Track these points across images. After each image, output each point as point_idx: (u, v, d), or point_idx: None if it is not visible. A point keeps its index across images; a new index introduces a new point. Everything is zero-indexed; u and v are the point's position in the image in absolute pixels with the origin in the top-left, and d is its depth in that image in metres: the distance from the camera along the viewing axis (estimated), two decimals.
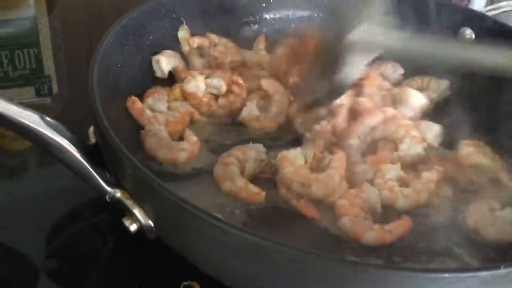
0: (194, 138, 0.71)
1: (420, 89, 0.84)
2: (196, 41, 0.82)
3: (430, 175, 0.67)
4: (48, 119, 0.54)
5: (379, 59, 0.86)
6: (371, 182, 0.66)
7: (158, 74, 0.78)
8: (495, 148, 0.74)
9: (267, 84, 0.77)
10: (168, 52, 0.79)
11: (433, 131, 0.74)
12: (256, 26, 0.90)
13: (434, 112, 0.80)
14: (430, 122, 0.75)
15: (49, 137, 0.53)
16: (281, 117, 0.76)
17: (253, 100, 0.77)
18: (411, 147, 0.70)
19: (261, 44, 0.88)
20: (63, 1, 1.11)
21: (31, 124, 0.52)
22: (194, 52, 0.82)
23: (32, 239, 0.64)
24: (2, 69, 0.91)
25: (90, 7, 1.13)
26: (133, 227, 0.54)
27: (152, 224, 0.54)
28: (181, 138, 0.72)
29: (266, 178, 0.68)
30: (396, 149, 0.71)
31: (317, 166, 0.67)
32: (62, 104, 0.90)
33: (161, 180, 0.63)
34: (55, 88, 0.91)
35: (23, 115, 0.52)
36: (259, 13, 0.89)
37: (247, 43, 0.88)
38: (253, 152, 0.69)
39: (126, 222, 0.54)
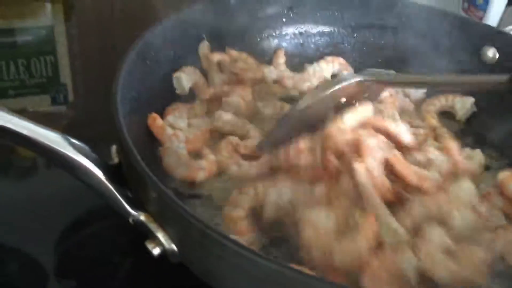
0: (212, 157, 0.70)
1: (444, 108, 0.84)
2: (216, 57, 0.82)
3: (483, 255, 0.58)
4: (74, 141, 0.54)
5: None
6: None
7: (179, 91, 0.78)
8: None
9: None
10: (188, 68, 0.78)
11: (465, 189, 0.65)
12: (276, 40, 0.89)
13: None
14: (458, 180, 0.66)
15: (76, 160, 0.53)
16: None
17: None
18: (463, 217, 0.61)
19: (280, 58, 0.87)
20: (81, 10, 1.11)
21: (58, 148, 0.52)
22: (214, 68, 0.82)
23: (43, 242, 0.63)
24: (18, 77, 0.91)
25: (107, 16, 1.12)
26: (156, 251, 0.53)
27: (176, 249, 0.53)
28: (198, 156, 0.70)
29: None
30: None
31: (345, 225, 0.59)
32: (78, 112, 0.89)
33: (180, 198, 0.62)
34: (71, 96, 0.91)
35: (50, 137, 0.52)
36: (279, 28, 0.89)
37: (267, 58, 0.88)
38: (274, 194, 0.61)
39: (149, 246, 0.53)
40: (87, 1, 1.15)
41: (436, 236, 0.58)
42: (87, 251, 0.64)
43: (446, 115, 0.84)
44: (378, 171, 0.64)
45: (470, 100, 0.82)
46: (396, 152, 0.66)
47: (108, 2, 1.16)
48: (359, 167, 0.61)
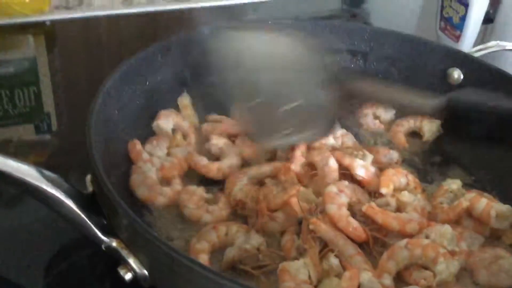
0: (178, 187, 0.71)
1: (413, 129, 0.87)
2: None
3: None
4: (46, 172, 0.56)
5: (371, 100, 0.90)
6: None
7: (164, 135, 0.79)
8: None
9: None
10: (163, 113, 0.80)
11: (446, 235, 0.65)
12: None
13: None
14: (439, 225, 0.67)
15: (47, 191, 0.55)
16: None
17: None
18: (449, 266, 0.62)
19: None
20: (64, 41, 1.13)
21: (31, 180, 0.54)
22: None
23: (30, 271, 0.64)
24: (2, 107, 0.92)
25: (90, 46, 1.15)
26: (128, 276, 0.55)
27: (147, 273, 0.55)
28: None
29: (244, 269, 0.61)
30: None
31: (324, 272, 0.61)
32: (61, 141, 0.90)
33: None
34: (54, 125, 0.92)
35: (22, 170, 0.54)
36: None
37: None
38: (241, 237, 0.63)
39: (121, 271, 0.55)
40: (71, 33, 1.17)
41: None
42: (74, 279, 0.65)
43: (415, 135, 0.87)
44: (342, 217, 0.66)
45: (437, 122, 0.85)
46: (372, 204, 0.68)
47: (94, 33, 1.19)
48: (316, 226, 0.64)
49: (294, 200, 0.67)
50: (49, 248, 0.67)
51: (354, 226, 0.66)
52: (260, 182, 0.73)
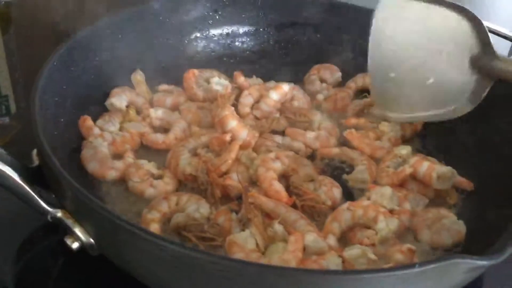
0: (130, 160, 0.71)
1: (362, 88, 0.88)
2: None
3: (403, 259, 0.61)
4: None
5: (317, 63, 0.91)
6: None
7: (119, 111, 0.79)
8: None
9: None
10: (116, 90, 0.81)
11: (386, 195, 0.69)
12: (204, 42, 0.92)
13: None
14: (379, 187, 0.71)
15: None
16: None
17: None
18: (388, 223, 0.65)
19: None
20: (19, 22, 1.12)
21: None
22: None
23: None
24: None
25: (46, 26, 1.14)
26: (75, 245, 0.56)
27: (93, 242, 0.56)
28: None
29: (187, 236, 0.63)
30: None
31: (270, 239, 0.63)
32: (21, 123, 0.90)
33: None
34: (13, 108, 0.91)
35: None
36: (205, 30, 0.92)
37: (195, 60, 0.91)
38: (192, 206, 0.65)
39: (68, 241, 0.56)
40: (26, 13, 1.16)
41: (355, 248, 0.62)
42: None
43: None
44: (266, 178, 0.69)
45: None
46: (353, 130, 0.79)
47: (49, 13, 1.17)
48: (255, 198, 0.66)
49: (232, 181, 0.69)
50: (16, 237, 0.67)
51: (277, 188, 0.69)
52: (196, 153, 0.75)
